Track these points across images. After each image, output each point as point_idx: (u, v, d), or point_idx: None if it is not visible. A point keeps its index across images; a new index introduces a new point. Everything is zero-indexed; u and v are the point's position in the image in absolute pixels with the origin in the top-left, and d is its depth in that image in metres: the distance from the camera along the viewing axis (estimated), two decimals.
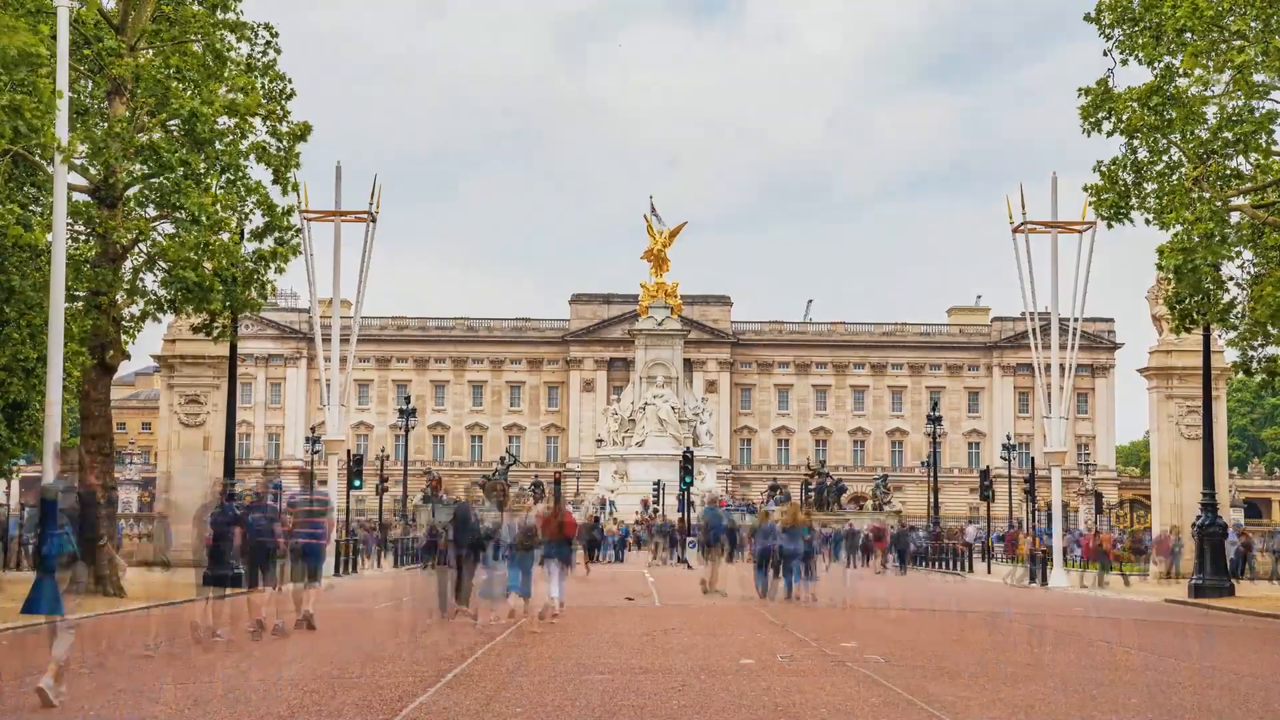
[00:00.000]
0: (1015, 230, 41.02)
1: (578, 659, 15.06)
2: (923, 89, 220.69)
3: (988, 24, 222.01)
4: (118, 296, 26.76)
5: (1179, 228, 24.76)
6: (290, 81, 28.64)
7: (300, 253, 31.24)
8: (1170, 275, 25.90)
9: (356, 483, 51.64)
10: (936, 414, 69.52)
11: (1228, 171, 25.94)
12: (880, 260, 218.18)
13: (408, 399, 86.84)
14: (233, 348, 32.83)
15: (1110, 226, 27.22)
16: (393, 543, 53.91)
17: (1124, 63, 26.06)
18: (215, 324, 27.82)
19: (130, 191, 26.82)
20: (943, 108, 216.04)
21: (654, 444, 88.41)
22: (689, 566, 51.31)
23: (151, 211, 27.12)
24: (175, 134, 26.09)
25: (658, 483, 79.62)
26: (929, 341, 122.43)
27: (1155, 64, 25.37)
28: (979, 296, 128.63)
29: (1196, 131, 25.24)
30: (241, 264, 26.91)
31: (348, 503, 49.60)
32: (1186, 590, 32.18)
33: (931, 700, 11.77)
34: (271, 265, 27.62)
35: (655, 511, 72.24)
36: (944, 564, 52.68)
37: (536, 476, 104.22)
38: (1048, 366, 42.70)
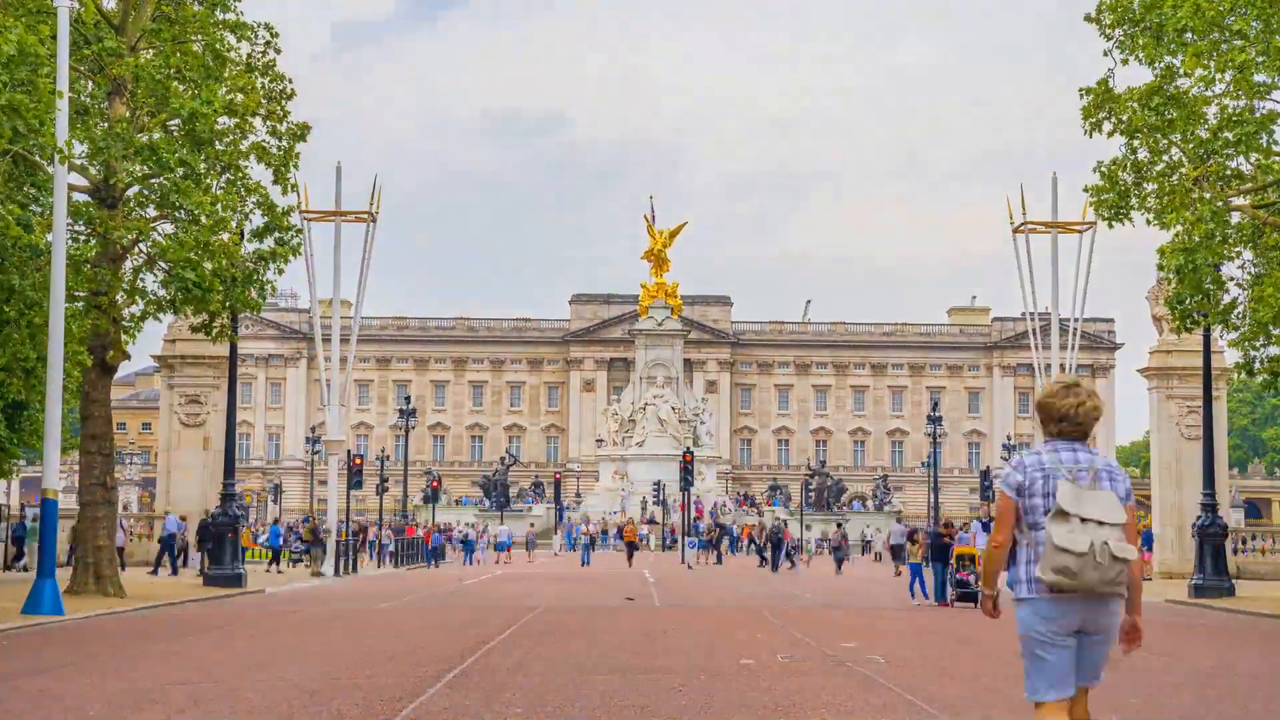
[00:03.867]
0: (1015, 230, 41.07)
1: (578, 659, 15.05)
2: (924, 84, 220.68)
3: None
4: (118, 296, 26.75)
5: (1179, 228, 24.75)
6: (290, 81, 28.65)
7: (300, 253, 31.23)
8: (1171, 276, 25.88)
9: (356, 482, 51.64)
10: (937, 414, 69.49)
11: (1228, 172, 25.93)
12: (880, 260, 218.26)
13: (408, 399, 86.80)
14: (233, 348, 32.83)
15: (1110, 226, 27.23)
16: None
17: (1124, 63, 26.06)
18: (215, 324, 27.80)
19: (130, 191, 26.81)
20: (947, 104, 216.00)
21: (654, 444, 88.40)
22: (689, 567, 51.37)
23: (151, 211, 27.11)
24: (175, 134, 26.07)
25: (658, 483, 79.61)
26: (929, 341, 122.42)
27: (1156, 64, 25.37)
28: (974, 297, 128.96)
29: (1197, 131, 25.23)
30: (241, 264, 26.91)
31: (348, 503, 49.58)
32: (1187, 590, 32.17)
33: (932, 700, 11.76)
34: (271, 265, 27.62)
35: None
36: None
37: (536, 477, 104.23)
38: (1048, 366, 42.72)
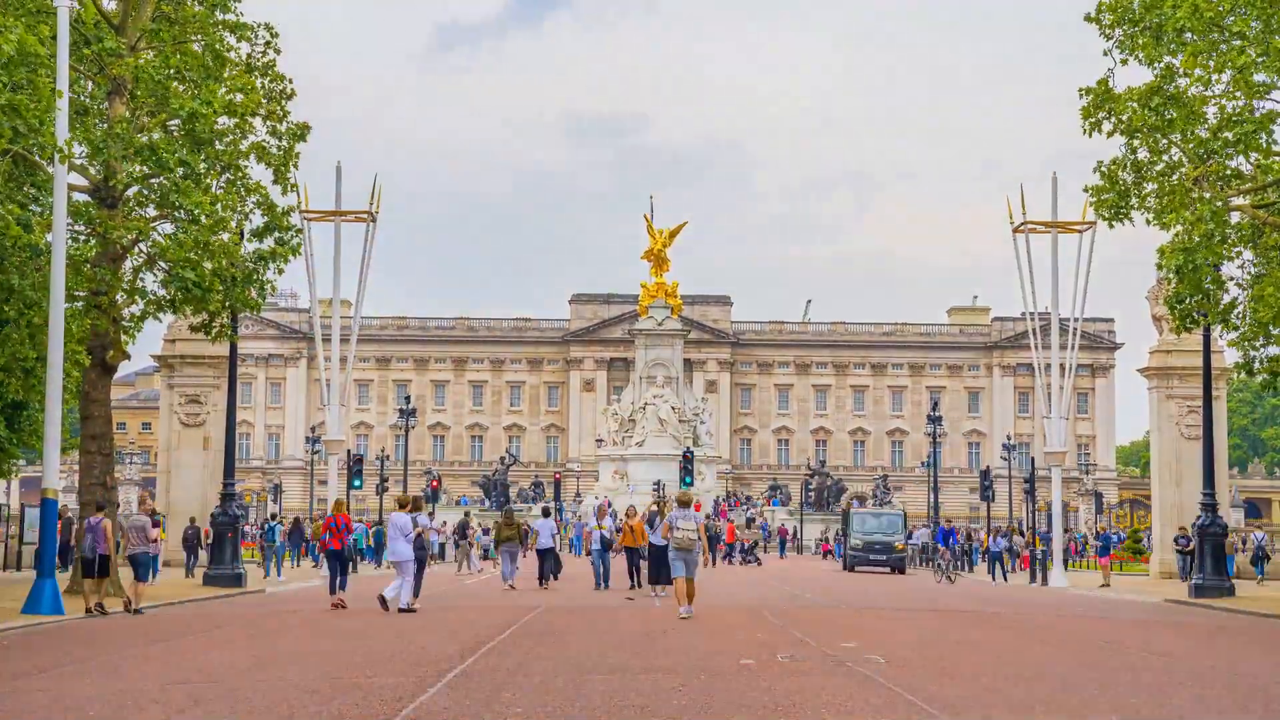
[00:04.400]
0: (1015, 230, 41.06)
1: (578, 659, 15.05)
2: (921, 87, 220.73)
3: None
4: (118, 296, 26.75)
5: (1179, 228, 24.75)
6: (290, 81, 28.64)
7: (300, 252, 31.17)
8: (1171, 275, 25.90)
9: (356, 482, 51.67)
10: (936, 414, 69.45)
11: (1228, 171, 25.93)
12: (880, 260, 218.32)
13: (408, 399, 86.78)
14: (233, 348, 32.83)
15: (1111, 226, 27.24)
16: None
17: (1124, 63, 26.07)
18: (215, 324, 27.80)
19: (130, 191, 26.80)
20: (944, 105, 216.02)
21: (654, 444, 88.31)
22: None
23: (151, 211, 27.10)
24: (175, 134, 26.07)
25: (658, 483, 79.53)
26: (929, 341, 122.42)
27: (1155, 64, 25.38)
28: (975, 297, 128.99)
29: (1197, 131, 25.24)
30: (241, 264, 26.90)
31: (348, 503, 49.51)
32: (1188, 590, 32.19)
33: (932, 700, 11.76)
34: (271, 265, 27.61)
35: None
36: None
37: (536, 476, 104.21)
38: (1048, 366, 42.71)
